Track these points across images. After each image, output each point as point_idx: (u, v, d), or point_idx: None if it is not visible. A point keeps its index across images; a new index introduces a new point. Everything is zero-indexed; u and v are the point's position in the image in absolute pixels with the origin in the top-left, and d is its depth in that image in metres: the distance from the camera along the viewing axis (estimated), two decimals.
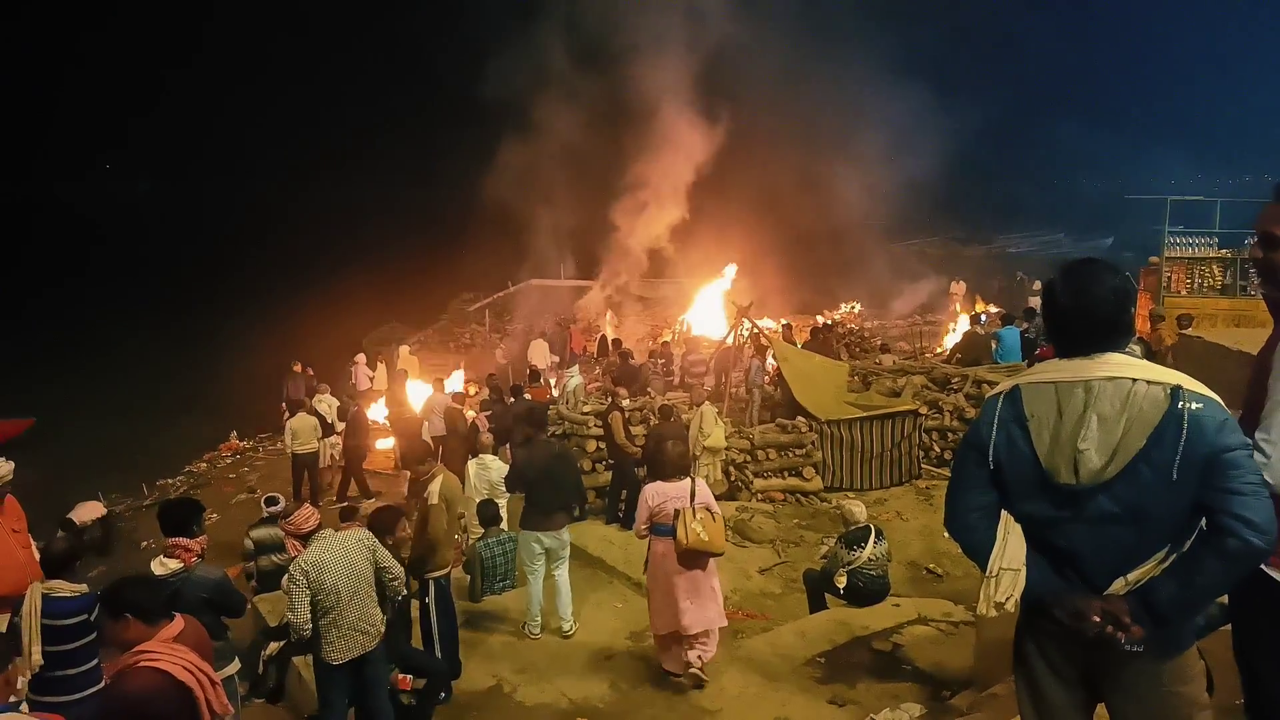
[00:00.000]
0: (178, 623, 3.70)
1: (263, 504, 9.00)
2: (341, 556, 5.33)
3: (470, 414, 14.44)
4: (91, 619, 5.05)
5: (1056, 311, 2.48)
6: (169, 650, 3.50)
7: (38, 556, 5.83)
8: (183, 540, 5.20)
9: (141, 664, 3.43)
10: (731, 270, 23.42)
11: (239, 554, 9.16)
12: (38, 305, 40.35)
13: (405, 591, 6.01)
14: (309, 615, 5.23)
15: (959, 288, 25.17)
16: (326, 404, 14.97)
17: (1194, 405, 2.25)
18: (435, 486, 7.19)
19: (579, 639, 7.55)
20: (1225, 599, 2.83)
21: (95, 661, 5.14)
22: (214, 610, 5.08)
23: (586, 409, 12.18)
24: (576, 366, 15.63)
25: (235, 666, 5.43)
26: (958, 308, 23.70)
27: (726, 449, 11.41)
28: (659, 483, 6.53)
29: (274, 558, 8.19)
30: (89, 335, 32.85)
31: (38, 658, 4.90)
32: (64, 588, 5.02)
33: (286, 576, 5.34)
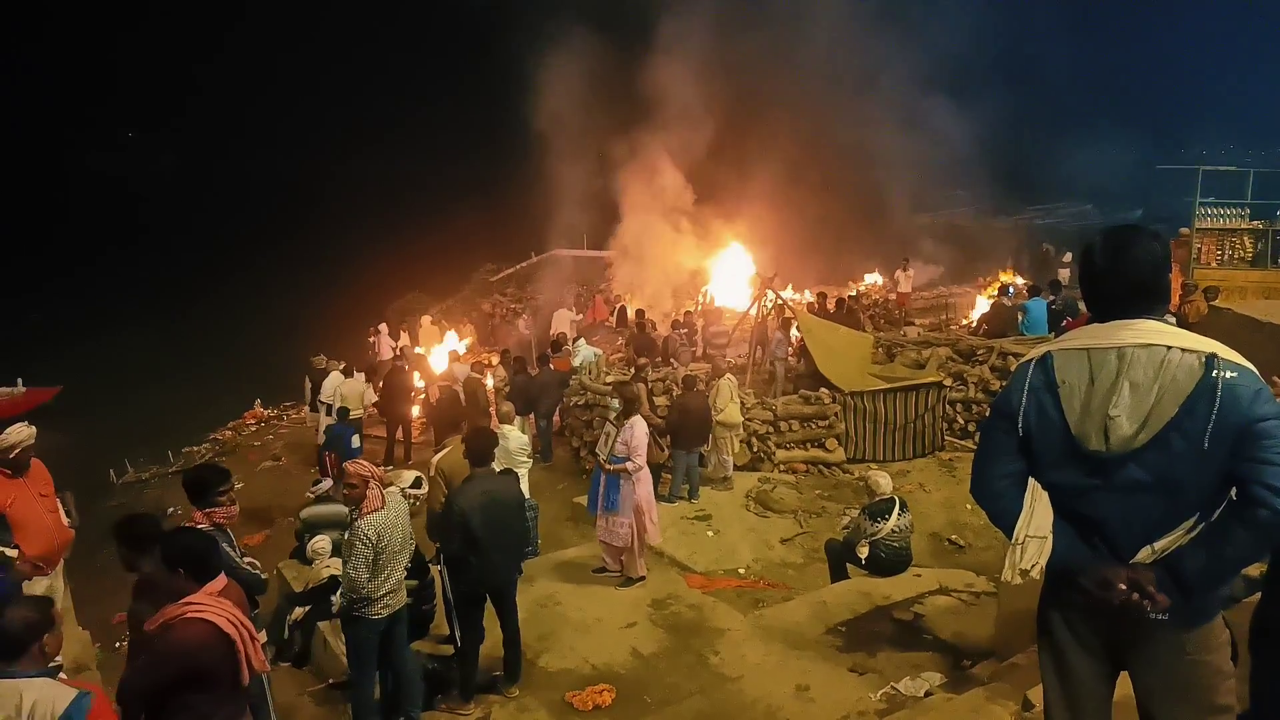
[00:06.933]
0: (222, 578, 3.77)
1: (310, 488, 9.04)
2: (397, 518, 5.48)
3: (490, 383, 14.45)
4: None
5: (1094, 273, 2.44)
6: (216, 603, 3.59)
7: (64, 520, 5.93)
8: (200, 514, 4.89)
9: (189, 615, 3.50)
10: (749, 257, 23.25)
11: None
12: (69, 276, 40.73)
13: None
14: (369, 574, 5.31)
15: (906, 275, 24.76)
16: (332, 382, 13.70)
17: (1229, 374, 2.21)
18: (435, 459, 7.28)
19: (599, 611, 7.48)
20: (1257, 569, 2.80)
21: None
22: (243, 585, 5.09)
23: (609, 380, 12.16)
24: (581, 340, 15.46)
25: (261, 638, 5.48)
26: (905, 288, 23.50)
27: (747, 420, 11.38)
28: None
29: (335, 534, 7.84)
30: (117, 305, 33.22)
31: None
32: None
33: (350, 533, 5.38)
